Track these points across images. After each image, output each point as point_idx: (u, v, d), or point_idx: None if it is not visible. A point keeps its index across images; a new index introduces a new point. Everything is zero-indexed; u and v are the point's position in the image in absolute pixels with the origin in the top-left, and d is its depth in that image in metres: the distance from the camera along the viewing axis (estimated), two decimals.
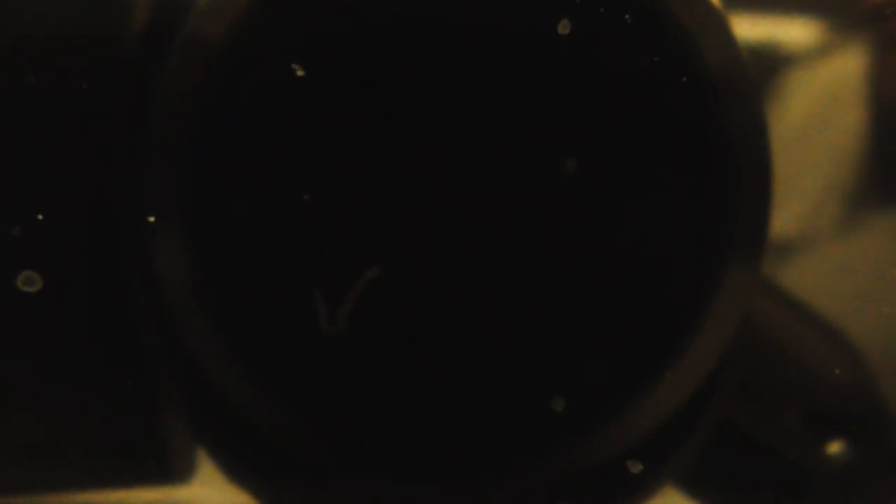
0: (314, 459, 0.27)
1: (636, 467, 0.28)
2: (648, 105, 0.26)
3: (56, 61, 0.26)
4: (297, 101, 0.26)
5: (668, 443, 0.28)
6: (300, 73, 0.25)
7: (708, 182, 0.26)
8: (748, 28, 0.29)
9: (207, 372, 0.27)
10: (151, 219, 0.26)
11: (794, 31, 0.31)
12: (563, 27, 0.25)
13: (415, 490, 0.28)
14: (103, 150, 0.27)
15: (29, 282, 0.27)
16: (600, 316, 0.26)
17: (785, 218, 0.30)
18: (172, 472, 0.29)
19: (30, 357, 0.28)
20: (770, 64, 0.31)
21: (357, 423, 0.27)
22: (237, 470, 0.29)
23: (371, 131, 0.26)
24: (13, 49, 0.26)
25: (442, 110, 0.26)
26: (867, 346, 0.31)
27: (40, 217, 0.27)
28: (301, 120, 0.26)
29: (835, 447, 0.30)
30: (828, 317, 0.31)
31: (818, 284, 0.31)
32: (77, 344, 0.27)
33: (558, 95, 0.26)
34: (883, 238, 0.31)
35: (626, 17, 0.25)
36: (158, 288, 0.27)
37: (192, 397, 0.28)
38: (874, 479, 0.30)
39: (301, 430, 0.27)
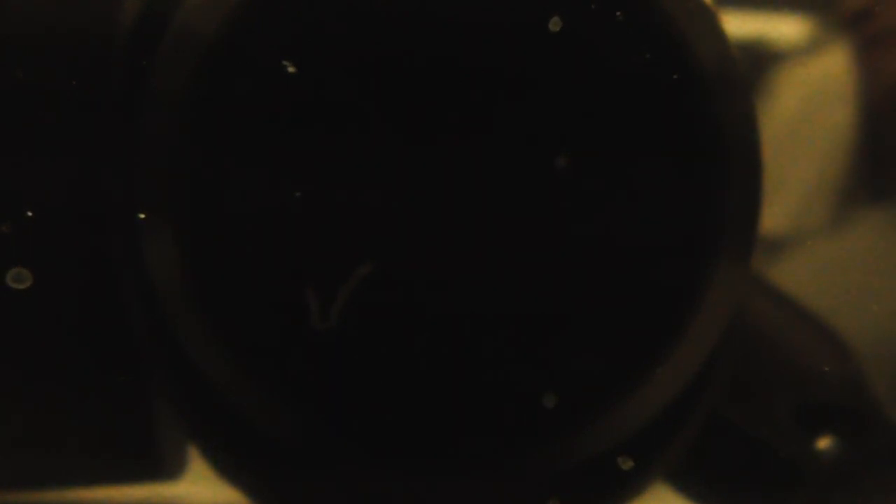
0: (306, 455, 0.27)
1: (627, 463, 0.28)
2: (639, 102, 0.26)
3: (45, 56, 0.26)
4: (289, 97, 0.25)
5: (659, 438, 0.28)
6: (291, 69, 0.25)
7: (698, 178, 0.26)
8: (738, 25, 0.29)
9: (199, 368, 0.27)
10: (142, 215, 0.26)
11: (784, 28, 0.32)
12: (555, 24, 0.25)
13: (404, 484, 0.28)
14: (93, 146, 0.27)
15: (19, 278, 0.26)
16: (591, 312, 0.26)
17: (775, 214, 0.30)
18: (163, 468, 0.29)
19: (20, 354, 0.27)
20: (760, 61, 0.31)
21: (348, 418, 0.27)
22: (228, 467, 0.29)
23: (362, 128, 0.26)
24: (1, 43, 0.26)
25: (432, 107, 0.26)
26: (857, 342, 0.31)
27: (30, 214, 0.26)
28: (292, 117, 0.26)
29: (825, 442, 0.30)
30: (818, 312, 0.31)
31: (808, 280, 0.31)
32: (67, 340, 0.27)
33: (549, 92, 0.26)
34: (872, 234, 0.31)
35: (618, 14, 0.25)
36: (149, 284, 0.26)
37: (183, 394, 0.28)
38: (864, 473, 0.30)
39: (293, 426, 0.27)
